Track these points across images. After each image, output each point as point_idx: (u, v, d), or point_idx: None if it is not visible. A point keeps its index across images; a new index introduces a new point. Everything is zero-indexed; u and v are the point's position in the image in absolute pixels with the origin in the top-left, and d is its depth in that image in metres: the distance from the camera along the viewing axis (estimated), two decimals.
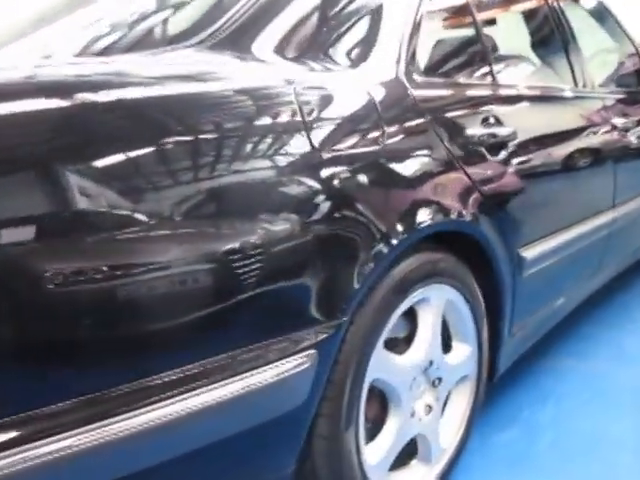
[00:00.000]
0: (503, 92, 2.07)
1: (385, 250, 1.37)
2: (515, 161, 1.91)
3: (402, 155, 1.50)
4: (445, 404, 1.80)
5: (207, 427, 1.13)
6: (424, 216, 1.48)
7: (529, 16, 2.94)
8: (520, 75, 2.39)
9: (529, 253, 1.94)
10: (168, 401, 1.06)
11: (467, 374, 1.81)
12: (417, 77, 1.67)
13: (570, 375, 2.53)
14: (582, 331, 2.92)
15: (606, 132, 2.62)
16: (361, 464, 1.46)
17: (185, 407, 1.07)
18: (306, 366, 1.22)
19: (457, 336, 1.78)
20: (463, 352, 1.78)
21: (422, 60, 1.75)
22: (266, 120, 1.24)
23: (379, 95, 1.50)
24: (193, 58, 1.31)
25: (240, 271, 1.13)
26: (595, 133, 2.55)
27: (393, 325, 1.50)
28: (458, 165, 1.65)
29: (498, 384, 2.27)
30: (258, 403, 1.18)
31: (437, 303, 1.63)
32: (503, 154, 1.85)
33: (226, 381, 1.12)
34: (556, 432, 2.13)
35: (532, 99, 2.23)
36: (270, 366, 1.18)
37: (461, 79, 1.98)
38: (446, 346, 1.75)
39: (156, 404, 1.04)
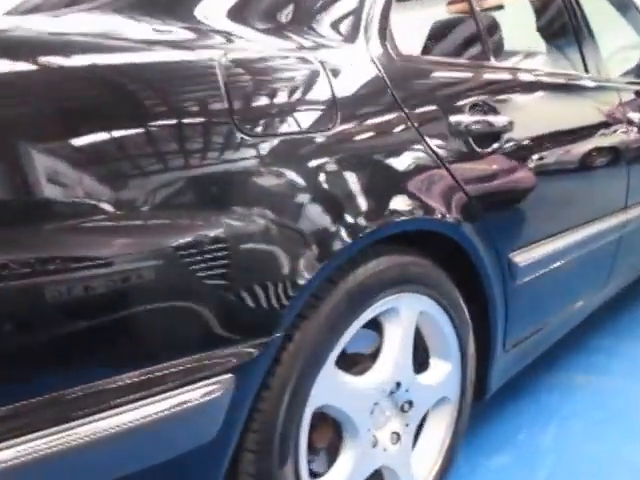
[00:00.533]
0: (499, 76, 1.80)
1: (333, 251, 1.13)
2: (508, 154, 1.66)
3: (362, 141, 1.25)
4: (420, 430, 1.55)
5: (85, 470, 0.90)
6: (386, 212, 1.24)
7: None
8: (522, 59, 2.13)
9: (522, 258, 1.68)
10: (38, 433, 0.85)
11: (446, 396, 1.56)
12: (391, 54, 1.41)
13: (577, 392, 2.26)
14: (592, 344, 2.66)
15: (620, 126, 2.34)
16: None
17: (51, 445, 0.85)
18: (216, 395, 0.98)
19: (435, 352, 1.54)
20: (442, 371, 1.53)
21: (399, 36, 1.49)
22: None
23: (336, 73, 1.25)
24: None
25: (129, 276, 0.90)
26: (607, 126, 2.27)
27: (349, 340, 1.26)
28: (434, 154, 1.39)
29: (493, 402, 2.03)
30: (151, 440, 0.95)
31: (408, 314, 1.39)
32: (494, 146, 1.59)
33: (108, 413, 0.89)
34: (559, 458, 1.87)
35: (534, 85, 1.95)
36: (167, 395, 0.94)
37: (447, 59, 1.72)
38: (423, 364, 1.51)
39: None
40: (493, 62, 1.79)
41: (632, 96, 2.56)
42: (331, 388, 1.23)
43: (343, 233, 1.14)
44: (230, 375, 1.00)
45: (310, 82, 1.20)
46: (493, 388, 1.79)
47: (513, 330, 1.75)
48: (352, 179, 1.20)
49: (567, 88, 2.17)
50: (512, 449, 1.91)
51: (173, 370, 0.95)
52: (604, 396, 2.23)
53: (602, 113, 2.27)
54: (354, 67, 1.31)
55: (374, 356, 1.38)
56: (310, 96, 1.19)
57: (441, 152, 1.42)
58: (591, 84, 2.32)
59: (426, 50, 1.73)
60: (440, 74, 1.58)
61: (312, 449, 1.34)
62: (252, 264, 1.03)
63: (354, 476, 1.32)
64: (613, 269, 2.39)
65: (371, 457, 1.36)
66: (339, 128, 1.20)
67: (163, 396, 0.94)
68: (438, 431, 1.58)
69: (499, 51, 1.89)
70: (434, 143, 1.41)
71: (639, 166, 2.43)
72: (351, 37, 1.35)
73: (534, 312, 1.88)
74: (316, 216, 1.12)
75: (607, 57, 2.53)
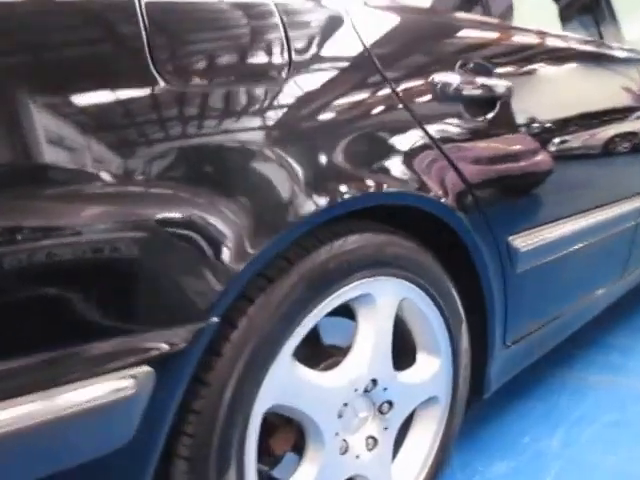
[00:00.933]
0: (498, 30, 1.59)
1: (285, 225, 0.95)
2: (508, 123, 1.46)
3: (323, 94, 1.07)
4: (405, 434, 1.37)
5: None
6: (351, 182, 1.05)
7: None
8: (528, 14, 1.92)
9: (523, 243, 1.49)
10: None
11: (436, 395, 1.38)
12: None
13: (590, 393, 2.07)
14: (607, 341, 2.45)
15: None
16: None
17: None
18: (130, 391, 0.81)
19: (422, 347, 1.36)
20: (430, 367, 1.35)
21: None
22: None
23: (290, 12, 1.07)
24: None
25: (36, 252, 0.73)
26: (626, 102, 2.06)
27: (310, 329, 1.08)
28: (412, 117, 1.20)
29: (494, 404, 1.84)
30: (46, 442, 0.77)
31: (386, 302, 1.20)
32: (490, 113, 1.39)
33: None
34: (565, 465, 1.68)
35: (540, 47, 1.72)
36: (69, 388, 0.77)
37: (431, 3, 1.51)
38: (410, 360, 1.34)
39: None
40: (491, 11, 1.58)
41: None
42: (287, 385, 1.05)
43: (297, 204, 0.96)
44: (148, 368, 0.82)
45: (257, 24, 1.01)
46: (492, 387, 1.60)
47: (514, 324, 1.56)
48: (307, 141, 1.01)
49: (579, 54, 1.94)
50: (514, 455, 1.72)
51: (75, 359, 0.78)
52: (619, 398, 2.03)
53: (621, 86, 2.06)
54: (314, 8, 1.12)
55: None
56: (256, 40, 1.00)
57: (421, 114, 1.22)
58: (610, 52, 2.09)
59: None
60: (421, 20, 1.38)
61: (273, 455, 1.17)
62: (181, 235, 0.85)
63: None
64: (630, 259, 2.18)
65: (340, 465, 1.19)
66: (293, 78, 1.01)
67: (62, 389, 0.77)
68: (426, 435, 1.39)
69: (506, 12, 1.68)
70: (413, 104, 1.22)
71: None
72: None
73: (538, 304, 1.69)
74: (265, 183, 0.94)
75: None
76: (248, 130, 0.94)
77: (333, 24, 1.13)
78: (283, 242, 0.96)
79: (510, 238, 1.45)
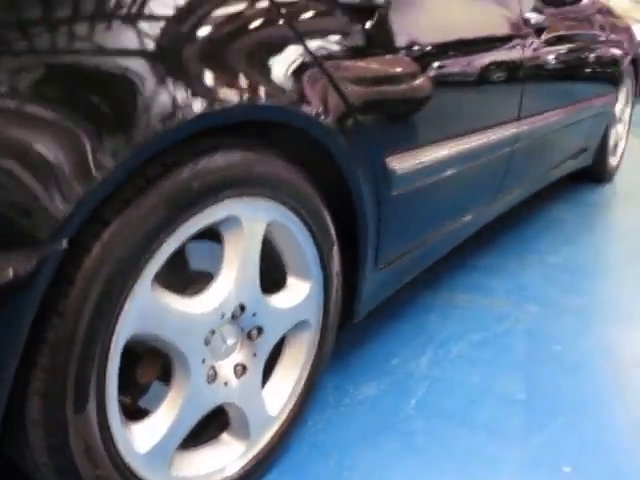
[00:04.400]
0: None
1: (139, 142, 0.86)
2: (387, 40, 1.42)
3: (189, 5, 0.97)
4: (277, 360, 1.35)
5: None
6: (208, 95, 0.96)
7: None
8: None
9: (400, 165, 1.46)
10: None
11: (306, 319, 1.35)
12: None
13: (456, 313, 2.12)
14: (475, 263, 2.53)
15: (514, 30, 2.12)
16: (117, 455, 0.99)
17: None
18: None
19: (292, 270, 1.32)
20: (300, 291, 1.32)
21: None
22: None
23: None
24: None
25: None
26: (502, 27, 2.06)
27: (176, 254, 1.02)
28: (292, 29, 1.13)
29: (366, 326, 1.86)
30: None
31: (253, 224, 1.15)
32: (365, 21, 1.34)
33: None
34: (432, 385, 1.72)
35: None
36: None
37: None
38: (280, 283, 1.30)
39: None
40: None
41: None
42: (148, 313, 0.99)
43: (154, 118, 0.88)
44: None
45: None
46: (364, 310, 1.60)
47: (387, 247, 1.55)
48: (172, 52, 0.92)
49: None
50: (384, 376, 1.75)
51: None
52: (482, 318, 2.10)
53: (500, 14, 2.06)
54: None
55: None
56: None
57: (302, 30, 1.16)
58: None
59: None
60: None
61: (137, 385, 1.12)
62: (23, 151, 0.76)
63: (185, 414, 1.11)
64: (503, 184, 2.23)
65: (207, 393, 1.15)
66: None
67: None
68: (297, 360, 1.38)
69: None
70: (294, 19, 1.15)
71: (534, 76, 2.25)
72: None
73: (411, 227, 1.69)
74: (119, 93, 0.85)
75: None
76: (102, 39, 0.84)
77: None
78: (137, 159, 0.88)
79: (387, 160, 1.42)
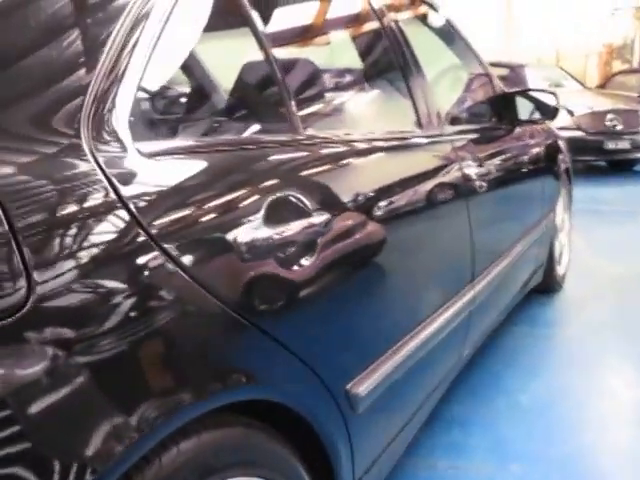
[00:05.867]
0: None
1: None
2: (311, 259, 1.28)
3: None
4: None
5: None
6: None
7: (362, 44, 2.47)
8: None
9: (362, 387, 1.43)
10: None
11: None
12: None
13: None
14: (448, 415, 2.45)
15: (457, 185, 2.03)
16: None
17: None
18: None
19: None
20: None
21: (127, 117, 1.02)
22: None
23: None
24: None
25: None
26: (442, 191, 1.95)
27: None
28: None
29: None
30: None
31: None
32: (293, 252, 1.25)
33: None
34: None
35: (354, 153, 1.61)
36: None
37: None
38: None
39: None
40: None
41: (467, 149, 2.26)
42: None
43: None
44: None
45: None
46: None
47: (361, 458, 1.51)
48: None
49: (399, 147, 1.89)
50: None
51: None
52: None
53: (436, 174, 1.98)
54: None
55: None
56: None
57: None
58: (422, 141, 2.01)
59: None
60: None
61: None
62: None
63: None
64: (466, 343, 2.21)
65: None
66: None
67: None
68: None
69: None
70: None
71: (483, 228, 2.22)
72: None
73: (384, 429, 1.65)
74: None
75: (436, 87, 2.29)
76: None
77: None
78: None
79: (348, 386, 1.39)
